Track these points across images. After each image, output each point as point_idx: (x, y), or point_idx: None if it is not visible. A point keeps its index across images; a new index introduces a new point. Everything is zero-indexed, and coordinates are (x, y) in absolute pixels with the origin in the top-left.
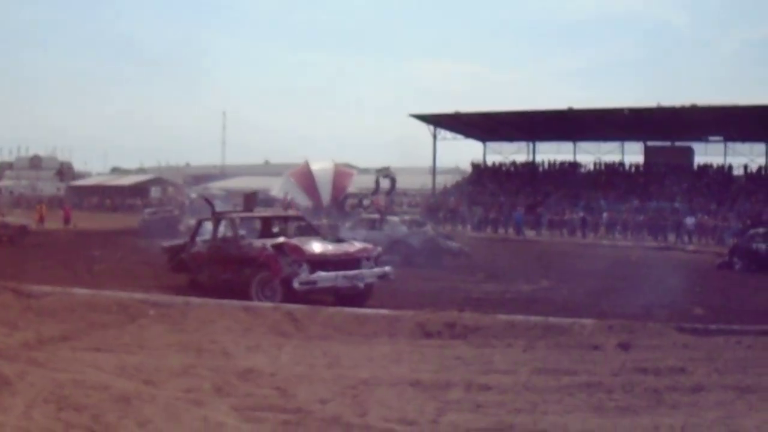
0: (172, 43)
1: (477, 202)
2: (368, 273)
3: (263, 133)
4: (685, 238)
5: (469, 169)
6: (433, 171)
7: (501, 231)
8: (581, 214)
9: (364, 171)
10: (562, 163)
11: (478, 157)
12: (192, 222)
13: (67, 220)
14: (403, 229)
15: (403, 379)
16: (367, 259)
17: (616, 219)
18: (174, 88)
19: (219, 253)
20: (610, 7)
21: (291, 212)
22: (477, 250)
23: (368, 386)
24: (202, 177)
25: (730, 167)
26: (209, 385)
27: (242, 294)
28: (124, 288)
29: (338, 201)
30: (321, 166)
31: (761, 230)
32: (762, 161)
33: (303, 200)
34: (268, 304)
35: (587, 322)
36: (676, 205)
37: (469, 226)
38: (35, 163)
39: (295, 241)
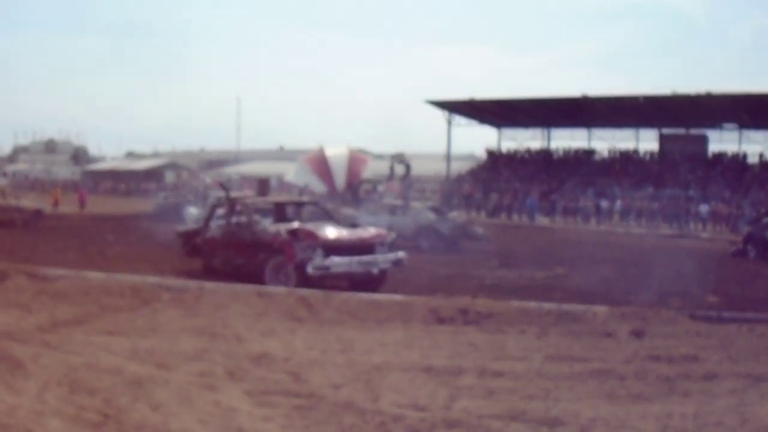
0: (188, 28)
1: (491, 189)
2: (382, 258)
3: (278, 118)
4: (699, 226)
5: (483, 155)
6: (448, 157)
7: (515, 218)
8: (595, 201)
9: (379, 157)
10: (576, 150)
11: (492, 143)
12: (193, 210)
13: (82, 204)
14: (430, 215)
15: (416, 364)
16: (381, 244)
17: (630, 206)
18: (189, 73)
19: (233, 238)
20: None
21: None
22: (492, 237)
23: (381, 372)
24: (216, 162)
25: (745, 155)
26: (222, 370)
27: (256, 279)
28: (138, 272)
29: (353, 187)
30: (336, 152)
31: None
32: None
33: (317, 186)
34: (281, 289)
35: (600, 309)
36: (691, 192)
37: (483, 213)
38: (50, 147)
39: (309, 226)
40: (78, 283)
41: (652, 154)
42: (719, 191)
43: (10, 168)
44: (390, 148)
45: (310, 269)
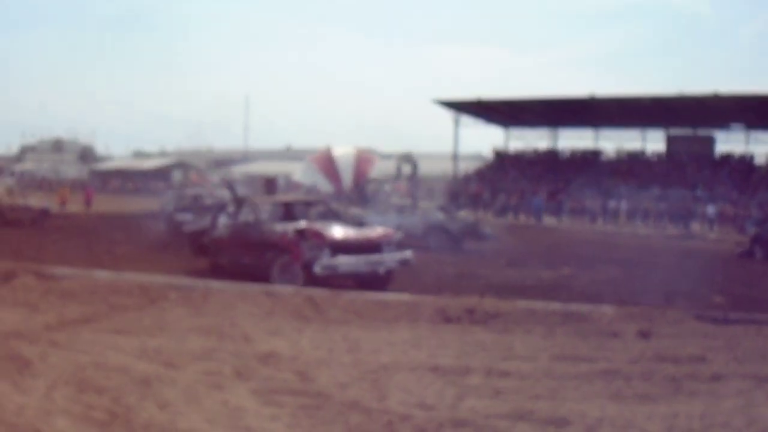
0: (196, 27)
1: (498, 189)
2: (389, 258)
3: (286, 118)
4: (706, 227)
5: (490, 155)
6: (455, 157)
7: (522, 218)
8: (602, 201)
9: (386, 157)
10: (583, 151)
11: (499, 143)
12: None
13: (88, 203)
14: (439, 215)
15: (423, 364)
16: (388, 243)
17: (636, 207)
18: (197, 72)
19: (240, 237)
20: None
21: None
22: (499, 237)
23: (388, 371)
24: (224, 161)
25: (752, 156)
26: (229, 369)
27: (263, 278)
28: (146, 271)
29: (360, 186)
30: (343, 152)
31: None
32: None
33: (324, 185)
34: (288, 289)
35: (607, 309)
36: (698, 193)
37: (490, 213)
38: (57, 146)
39: (316, 225)
40: (85, 282)
41: (659, 154)
42: (726, 192)
43: (18, 167)
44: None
45: (317, 269)
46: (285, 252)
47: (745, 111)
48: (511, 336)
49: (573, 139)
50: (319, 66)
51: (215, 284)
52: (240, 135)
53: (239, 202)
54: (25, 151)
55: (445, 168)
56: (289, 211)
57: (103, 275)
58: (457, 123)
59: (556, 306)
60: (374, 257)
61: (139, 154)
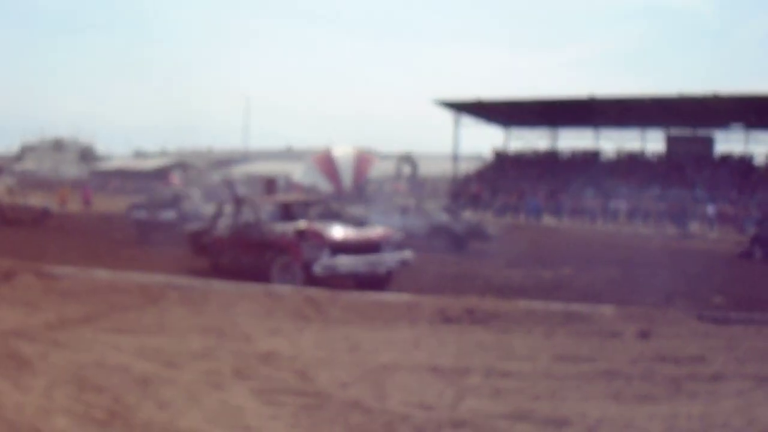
0: (197, 26)
1: (498, 189)
2: (389, 258)
3: (286, 118)
4: (706, 227)
5: (490, 155)
6: (455, 158)
7: (522, 218)
8: (602, 201)
9: (386, 157)
10: (583, 151)
11: (499, 143)
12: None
13: (87, 203)
14: (443, 215)
15: (423, 364)
16: (388, 243)
17: (636, 207)
18: (198, 72)
19: (240, 237)
20: None
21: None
22: (502, 237)
23: (388, 371)
24: (224, 161)
25: (752, 156)
26: (229, 368)
27: (263, 278)
28: (146, 270)
29: (359, 186)
30: (342, 152)
31: None
32: None
33: (324, 185)
34: (288, 289)
35: (607, 309)
36: (697, 193)
37: (490, 213)
38: (58, 145)
39: (316, 225)
40: (86, 281)
41: (658, 154)
42: (726, 192)
43: (18, 167)
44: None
45: (317, 269)
46: (285, 252)
47: (745, 111)
48: (511, 336)
49: (573, 140)
50: (320, 66)
51: (215, 284)
52: (240, 135)
53: (239, 202)
54: (25, 151)
55: (445, 168)
56: (289, 212)
57: (103, 274)
58: (457, 123)
59: (556, 306)
60: (374, 257)
61: (139, 154)
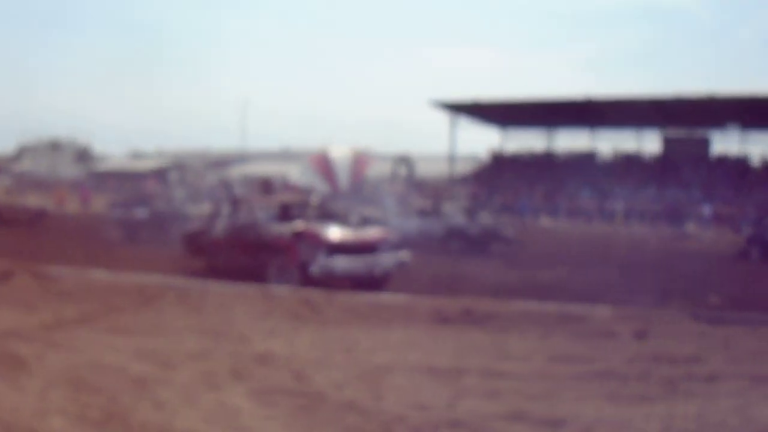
0: (193, 27)
1: (495, 191)
2: (385, 259)
3: (283, 118)
4: (702, 227)
5: (487, 157)
6: (452, 159)
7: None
8: (598, 202)
9: (383, 158)
10: (579, 152)
11: (495, 144)
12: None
13: (85, 203)
14: (459, 217)
15: (419, 365)
16: (385, 244)
17: (633, 207)
18: (195, 72)
19: (237, 238)
20: None
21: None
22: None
23: (384, 371)
24: (221, 162)
25: (747, 156)
26: (226, 369)
27: (260, 279)
28: (142, 271)
29: (356, 187)
30: (339, 153)
31: None
32: None
33: (321, 186)
34: (285, 289)
35: (603, 310)
36: (693, 194)
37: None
38: (55, 146)
39: (313, 226)
40: (82, 282)
41: (654, 155)
42: (722, 192)
43: (16, 167)
44: (394, 149)
45: (313, 270)
46: (281, 253)
47: (741, 112)
48: (506, 337)
49: (569, 140)
50: (317, 67)
51: (212, 285)
52: (237, 136)
53: (236, 202)
54: (22, 151)
55: (442, 169)
56: (285, 212)
57: (99, 275)
58: (453, 124)
59: (552, 307)
60: (371, 258)
61: (136, 155)
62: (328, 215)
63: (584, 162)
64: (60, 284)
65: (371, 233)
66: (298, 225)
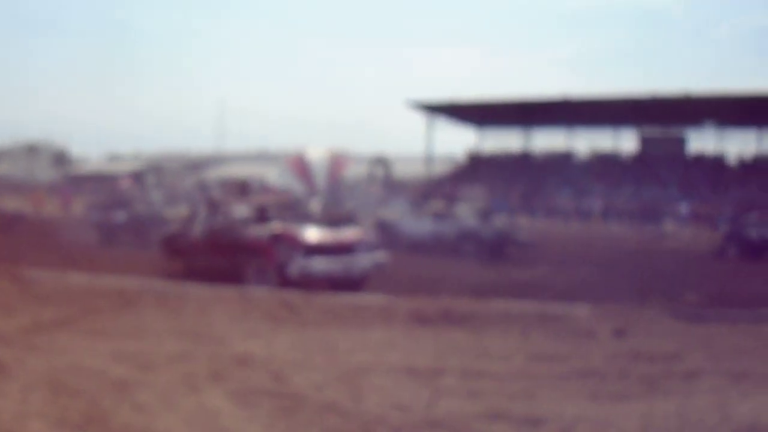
0: (170, 28)
1: (471, 191)
2: (363, 259)
3: (260, 120)
4: (679, 226)
5: (464, 157)
6: (429, 159)
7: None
8: (576, 201)
9: (360, 159)
10: (556, 152)
11: (472, 145)
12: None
13: (65, 207)
14: (473, 220)
15: (398, 365)
16: (363, 245)
17: (610, 207)
18: (172, 74)
19: (215, 240)
20: None
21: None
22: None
23: (363, 372)
24: (199, 164)
25: (724, 155)
26: (205, 371)
27: (238, 281)
28: (121, 274)
29: (334, 188)
30: (317, 154)
31: (755, 217)
32: (755, 149)
33: (298, 187)
34: (263, 291)
35: (582, 309)
36: (670, 192)
37: None
38: (32, 149)
39: (290, 228)
40: (61, 285)
41: (632, 154)
42: (699, 191)
43: None
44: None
45: (291, 271)
46: (259, 255)
47: (717, 110)
48: (486, 336)
49: (546, 140)
50: (294, 68)
51: (190, 287)
52: (215, 138)
53: (213, 205)
54: None
55: (419, 170)
56: (263, 214)
57: (78, 278)
58: (430, 125)
59: (531, 306)
60: (349, 259)
61: (113, 158)
62: (305, 217)
63: (561, 161)
64: (39, 288)
65: (348, 234)
66: (276, 227)
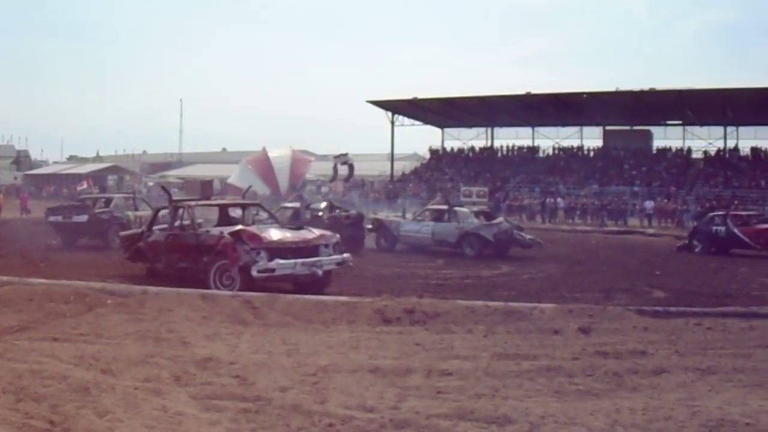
0: (130, 30)
1: (435, 188)
2: (327, 260)
3: (221, 120)
4: (645, 222)
5: (427, 155)
6: (392, 157)
7: None
8: (540, 198)
9: (322, 157)
10: (520, 148)
11: (436, 142)
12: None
13: (24, 209)
14: (475, 220)
15: (363, 365)
16: (326, 246)
17: (575, 203)
18: (132, 76)
19: (176, 241)
20: None
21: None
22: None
23: (328, 373)
24: (159, 165)
25: (689, 150)
26: (168, 374)
27: (200, 282)
28: (82, 277)
29: (296, 188)
30: (278, 153)
31: (720, 213)
32: (720, 144)
33: (261, 188)
34: (226, 293)
35: (547, 306)
36: (635, 188)
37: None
38: None
39: (253, 228)
40: (21, 289)
41: (596, 150)
42: (664, 187)
43: None
44: (334, 148)
45: (254, 272)
46: (222, 256)
47: (682, 106)
48: (451, 335)
49: (510, 138)
50: (255, 68)
51: (152, 289)
52: (175, 138)
53: (175, 206)
54: None
55: (383, 168)
56: (225, 215)
57: (38, 282)
58: (393, 123)
59: (496, 304)
60: (311, 259)
61: (74, 160)
62: (267, 217)
63: (525, 158)
64: None
65: (311, 234)
66: (239, 227)
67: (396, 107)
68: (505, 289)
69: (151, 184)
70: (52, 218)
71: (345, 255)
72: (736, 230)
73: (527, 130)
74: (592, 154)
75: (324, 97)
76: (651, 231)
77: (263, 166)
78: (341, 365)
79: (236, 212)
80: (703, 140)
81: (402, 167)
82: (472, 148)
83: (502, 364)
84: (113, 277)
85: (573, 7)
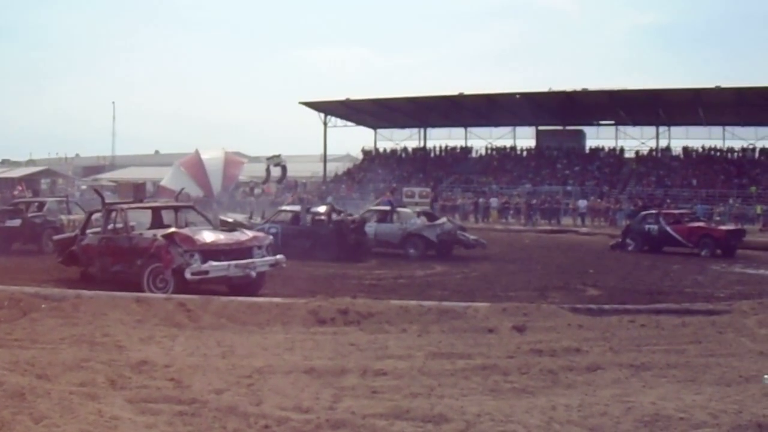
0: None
1: (368, 190)
2: (260, 262)
3: (153, 123)
4: (578, 221)
5: (360, 156)
6: (324, 158)
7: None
8: (474, 198)
9: (255, 159)
10: (453, 149)
11: (369, 143)
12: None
13: None
14: (418, 221)
15: (298, 366)
16: (259, 247)
17: (508, 203)
18: (63, 78)
19: (110, 244)
20: None
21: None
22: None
23: (263, 375)
24: (92, 168)
25: (622, 150)
26: (103, 379)
27: (134, 285)
28: (15, 282)
29: (229, 190)
30: (211, 155)
31: (653, 211)
32: (652, 144)
33: (194, 190)
34: (160, 295)
35: (481, 305)
36: (569, 188)
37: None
38: None
39: (185, 231)
40: None
41: (529, 150)
42: (597, 186)
43: None
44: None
45: (188, 274)
46: (155, 258)
47: (614, 106)
48: (385, 335)
49: (443, 139)
50: (186, 71)
51: (86, 293)
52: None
53: (108, 209)
54: None
55: (315, 169)
56: (158, 218)
57: None
58: (325, 124)
59: (430, 304)
60: (245, 261)
61: (7, 164)
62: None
63: (458, 158)
64: None
65: (245, 236)
66: (171, 230)
67: (328, 108)
68: (439, 289)
69: (84, 187)
70: None
71: (278, 256)
72: (668, 228)
73: (460, 131)
74: (525, 154)
75: (256, 99)
76: (584, 230)
77: (196, 168)
78: (276, 367)
79: (169, 215)
80: (636, 140)
81: (335, 168)
82: (405, 149)
83: (437, 363)
84: (47, 282)
85: (505, 7)
